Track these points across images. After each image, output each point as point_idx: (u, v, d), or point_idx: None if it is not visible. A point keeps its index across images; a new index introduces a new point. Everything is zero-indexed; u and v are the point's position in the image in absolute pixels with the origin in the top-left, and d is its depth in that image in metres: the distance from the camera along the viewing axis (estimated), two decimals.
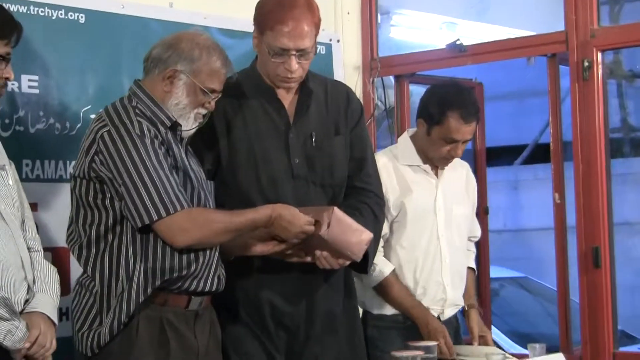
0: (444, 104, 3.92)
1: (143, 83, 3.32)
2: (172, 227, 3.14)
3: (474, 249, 4.31)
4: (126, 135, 3.15)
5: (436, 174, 4.07)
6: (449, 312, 4.06)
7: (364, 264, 3.55)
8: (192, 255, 3.22)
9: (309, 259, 3.42)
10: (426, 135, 3.98)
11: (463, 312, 4.20)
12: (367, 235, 3.40)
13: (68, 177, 3.84)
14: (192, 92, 3.28)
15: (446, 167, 4.09)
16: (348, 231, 3.35)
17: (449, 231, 4.05)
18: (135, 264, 3.17)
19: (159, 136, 3.22)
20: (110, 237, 3.20)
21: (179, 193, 3.17)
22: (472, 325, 4.10)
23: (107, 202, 3.18)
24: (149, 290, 3.17)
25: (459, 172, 4.18)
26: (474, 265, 4.29)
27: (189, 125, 3.32)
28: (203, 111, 3.32)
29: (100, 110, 3.31)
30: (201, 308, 3.31)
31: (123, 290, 3.16)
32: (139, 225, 3.14)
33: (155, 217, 3.12)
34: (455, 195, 4.11)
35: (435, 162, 4.04)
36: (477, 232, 4.31)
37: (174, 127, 3.29)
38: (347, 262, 3.44)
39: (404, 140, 4.12)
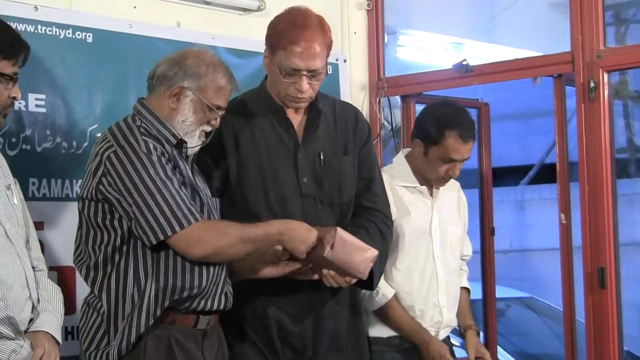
0: (441, 124, 3.93)
1: (147, 101, 3.33)
2: (188, 239, 3.14)
3: (466, 268, 4.31)
4: (133, 154, 3.16)
5: (431, 194, 4.07)
6: (443, 334, 4.06)
7: (370, 281, 3.55)
8: (201, 272, 3.23)
9: (316, 276, 3.43)
10: (423, 155, 3.99)
11: (460, 333, 4.17)
12: (372, 252, 3.41)
13: (74, 196, 3.85)
14: (199, 109, 3.29)
15: (441, 187, 4.09)
16: (352, 251, 3.36)
17: (443, 252, 4.06)
18: (143, 284, 3.17)
19: (166, 153, 3.23)
20: (117, 257, 3.20)
21: (191, 206, 3.17)
22: (468, 347, 4.08)
23: (116, 222, 3.19)
24: (158, 311, 3.17)
25: (451, 190, 4.19)
26: (467, 285, 4.27)
27: (194, 143, 3.33)
28: (208, 128, 3.34)
29: (105, 130, 3.32)
30: (209, 327, 3.32)
31: (132, 311, 3.16)
32: (154, 242, 3.14)
33: (169, 233, 3.12)
34: (448, 215, 4.12)
35: (433, 182, 4.04)
36: (468, 251, 4.29)
37: (180, 144, 3.30)
38: (354, 280, 3.45)
39: (399, 161, 4.13)
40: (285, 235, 3.28)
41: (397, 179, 4.07)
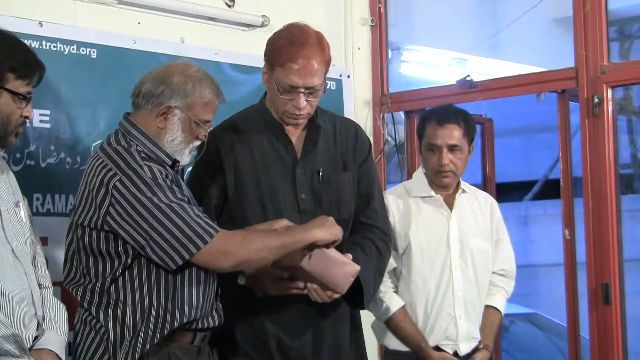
0: (422, 119, 4.16)
1: (134, 119, 3.28)
2: (212, 253, 3.11)
3: (503, 285, 4.16)
4: (139, 180, 3.11)
5: (451, 207, 4.07)
6: (465, 347, 4.00)
7: (361, 300, 3.53)
8: (198, 295, 3.22)
9: (305, 291, 3.43)
10: (421, 155, 4.12)
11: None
12: (353, 268, 3.39)
13: None
14: (187, 127, 3.25)
15: (463, 199, 4.10)
16: (331, 263, 3.34)
17: (464, 263, 4.02)
18: (147, 309, 3.15)
19: (169, 175, 3.21)
20: (120, 283, 3.17)
21: (207, 220, 3.16)
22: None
23: (120, 248, 3.14)
24: (166, 331, 3.16)
25: (480, 205, 4.17)
26: (497, 305, 4.13)
27: (185, 160, 3.32)
28: (197, 143, 3.31)
29: (97, 152, 3.25)
30: (203, 344, 3.32)
31: (134, 336, 3.14)
32: (180, 263, 3.10)
33: (194, 250, 3.09)
34: (472, 227, 4.09)
35: (433, 179, 4.07)
36: (505, 265, 4.16)
37: (174, 164, 3.29)
38: (337, 295, 3.43)
39: (418, 174, 4.17)
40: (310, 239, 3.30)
41: (414, 190, 4.11)
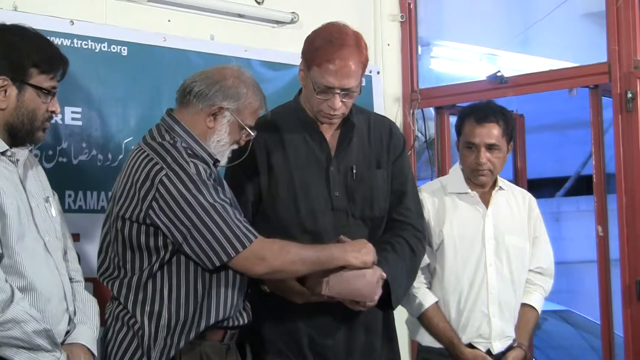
0: (461, 115, 4.09)
1: (179, 116, 3.28)
2: (250, 258, 3.13)
3: (540, 283, 4.12)
4: (186, 177, 3.12)
5: (487, 204, 4.05)
6: (499, 346, 3.97)
7: (390, 300, 3.51)
8: (233, 294, 3.23)
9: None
10: (458, 151, 4.07)
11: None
12: (374, 274, 3.35)
13: None
14: (234, 130, 3.28)
15: (500, 196, 4.06)
16: (350, 280, 3.31)
17: (499, 261, 3.99)
18: (184, 308, 3.15)
19: (212, 174, 3.23)
20: (158, 279, 3.17)
21: (247, 225, 3.17)
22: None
23: (160, 242, 3.15)
24: (201, 328, 3.17)
25: (518, 202, 4.13)
26: (534, 303, 4.10)
27: (224, 162, 3.33)
28: (235, 147, 3.33)
29: (140, 146, 3.25)
30: (232, 342, 3.32)
31: (168, 334, 3.15)
32: (217, 264, 3.11)
33: (233, 254, 3.10)
34: (508, 224, 4.06)
35: (469, 176, 4.03)
36: (541, 263, 4.12)
37: (215, 164, 3.30)
38: (371, 304, 3.41)
39: (455, 170, 4.15)
40: (343, 262, 3.29)
41: (450, 186, 4.09)
